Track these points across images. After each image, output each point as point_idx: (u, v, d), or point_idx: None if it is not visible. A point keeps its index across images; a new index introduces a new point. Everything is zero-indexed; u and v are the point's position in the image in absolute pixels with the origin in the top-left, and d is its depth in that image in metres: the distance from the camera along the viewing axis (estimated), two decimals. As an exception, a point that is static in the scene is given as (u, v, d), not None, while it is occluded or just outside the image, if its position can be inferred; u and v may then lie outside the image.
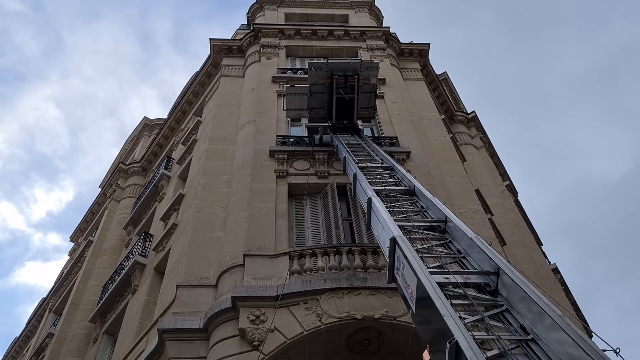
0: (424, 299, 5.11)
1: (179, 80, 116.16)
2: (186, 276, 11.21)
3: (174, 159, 19.47)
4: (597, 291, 78.38)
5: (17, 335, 29.80)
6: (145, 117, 29.66)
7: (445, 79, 25.74)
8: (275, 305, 9.43)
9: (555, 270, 19.58)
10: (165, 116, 26.60)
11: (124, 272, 15.49)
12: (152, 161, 23.12)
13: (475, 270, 5.87)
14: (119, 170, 23.66)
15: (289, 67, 18.70)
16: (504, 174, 22.45)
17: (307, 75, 13.98)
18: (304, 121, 15.75)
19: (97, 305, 16.34)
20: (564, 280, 20.13)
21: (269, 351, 8.91)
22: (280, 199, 12.50)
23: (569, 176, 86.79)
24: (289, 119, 15.61)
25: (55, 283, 26.43)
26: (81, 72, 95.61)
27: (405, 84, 18.26)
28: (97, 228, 22.13)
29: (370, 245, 10.68)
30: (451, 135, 18.48)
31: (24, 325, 29.55)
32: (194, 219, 12.85)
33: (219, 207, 12.97)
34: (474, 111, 22.38)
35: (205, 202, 13.20)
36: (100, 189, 26.64)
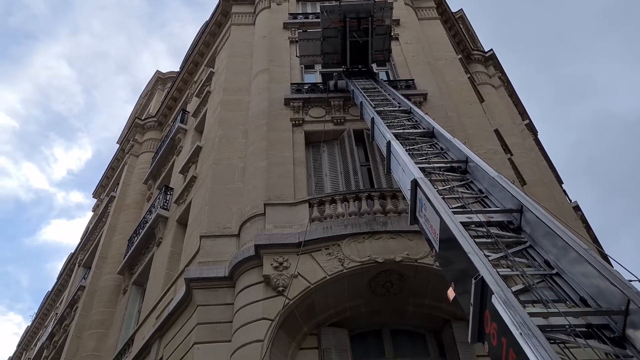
0: (447, 238, 5.11)
1: (188, 33, 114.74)
2: (209, 227, 11.38)
3: (189, 112, 19.43)
4: (618, 228, 78.15)
5: (50, 290, 31.01)
6: (157, 70, 29.43)
7: (461, 17, 24.92)
8: (298, 252, 9.55)
9: (576, 208, 19.50)
10: (177, 69, 26.34)
11: (147, 225, 15.80)
12: (167, 115, 23.13)
13: (498, 209, 5.83)
14: (136, 126, 23.75)
15: (300, 12, 18.23)
16: (523, 113, 22.04)
17: (319, 20, 13.61)
18: (318, 67, 15.44)
19: (124, 258, 16.79)
20: (585, 218, 20.06)
21: (294, 296, 9.08)
22: (298, 147, 12.46)
23: (589, 114, 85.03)
24: (303, 66, 15.36)
25: (81, 238, 27.15)
26: (90, 28, 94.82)
27: (420, 24, 17.71)
28: (118, 183, 22.47)
29: (389, 190, 10.67)
30: (468, 75, 18.06)
31: (55, 280, 30.69)
32: (212, 170, 12.93)
33: (236, 157, 13.00)
34: (491, 49, 21.76)
35: (223, 154, 13.23)
36: (118, 145, 26.84)
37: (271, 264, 9.51)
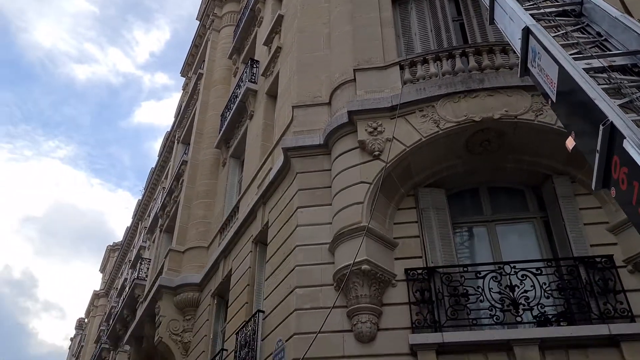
0: (567, 86, 4.79)
1: None
2: (299, 97, 11.48)
3: (265, -21, 18.76)
4: None
5: (153, 166, 33.58)
6: (225, -62, 28.16)
7: None
8: (391, 115, 9.49)
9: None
10: None
11: (238, 99, 16.20)
12: (243, -15, 22.51)
13: (621, 51, 5.31)
14: (213, -1, 23.47)
15: None
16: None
17: None
18: None
19: (220, 132, 17.56)
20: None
21: (390, 159, 9.16)
22: (384, 6, 11.79)
23: None
24: None
25: (175, 117, 28.56)
26: None
27: None
28: (204, 60, 22.84)
29: (485, 45, 10.05)
30: None
31: (157, 157, 33.06)
32: (297, 39, 12.71)
33: (320, 23, 12.62)
34: None
35: (306, 21, 12.87)
36: (195, 23, 26.88)
37: (365, 129, 9.54)
